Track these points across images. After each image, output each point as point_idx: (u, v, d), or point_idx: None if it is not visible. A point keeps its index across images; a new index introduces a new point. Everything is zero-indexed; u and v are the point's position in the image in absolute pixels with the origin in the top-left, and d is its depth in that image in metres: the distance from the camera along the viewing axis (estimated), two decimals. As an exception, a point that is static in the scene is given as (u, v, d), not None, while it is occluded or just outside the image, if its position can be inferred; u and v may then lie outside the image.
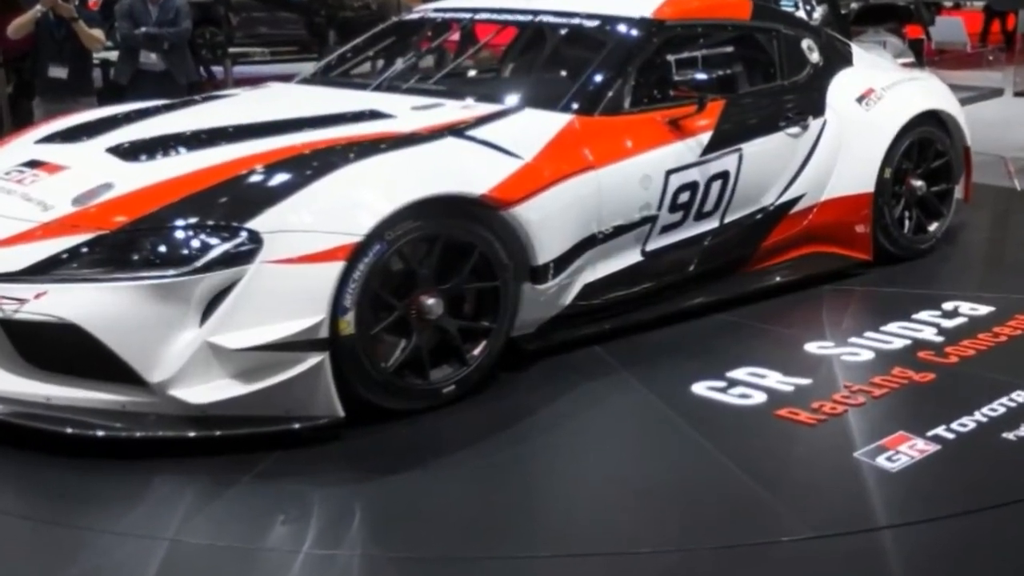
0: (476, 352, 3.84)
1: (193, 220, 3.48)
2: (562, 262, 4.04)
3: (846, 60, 5.58)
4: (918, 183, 5.47)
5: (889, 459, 3.39)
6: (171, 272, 3.37)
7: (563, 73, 4.94)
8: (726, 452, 3.44)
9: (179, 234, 3.46)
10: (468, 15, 5.31)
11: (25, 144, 4.33)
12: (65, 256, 3.45)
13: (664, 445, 3.58)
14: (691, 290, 4.71)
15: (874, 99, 5.37)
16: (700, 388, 3.93)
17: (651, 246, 4.48)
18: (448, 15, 5.50)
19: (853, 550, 2.95)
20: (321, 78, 5.32)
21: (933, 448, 3.46)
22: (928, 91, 5.74)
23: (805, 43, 5.34)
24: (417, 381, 3.70)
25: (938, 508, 3.13)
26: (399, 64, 5.31)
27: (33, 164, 3.99)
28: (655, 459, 3.50)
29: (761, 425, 3.67)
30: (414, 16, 5.70)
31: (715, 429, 3.62)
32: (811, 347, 4.34)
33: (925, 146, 5.50)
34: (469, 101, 4.50)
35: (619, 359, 4.21)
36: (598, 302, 4.32)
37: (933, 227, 5.63)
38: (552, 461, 3.50)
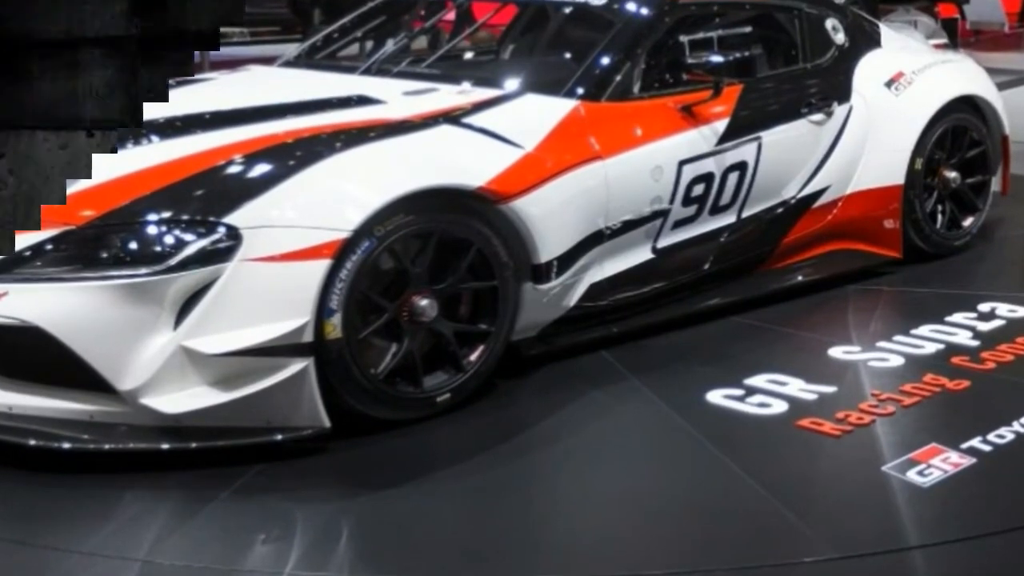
0: (473, 358, 3.84)
1: (167, 214, 3.49)
2: (566, 260, 4.05)
3: (874, 41, 5.58)
4: (952, 175, 5.48)
5: (920, 473, 3.40)
6: (143, 271, 3.38)
7: (567, 55, 4.94)
8: (744, 466, 3.45)
9: (151, 229, 3.46)
10: (464, -8, 5.33)
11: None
12: (28, 253, 3.45)
13: (677, 458, 3.59)
14: (706, 290, 4.72)
15: (904, 83, 5.38)
16: (716, 396, 3.93)
17: (663, 243, 4.48)
18: (443, -8, 5.52)
19: (881, 572, 2.95)
20: (305, 61, 5.32)
21: (968, 461, 3.47)
22: (963, 75, 5.74)
23: (829, 23, 5.35)
24: (409, 389, 3.71)
25: (973, 526, 3.13)
26: (390, 45, 5.31)
27: (-7, 154, 4.00)
28: (667, 473, 3.51)
29: (781, 436, 3.68)
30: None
31: (732, 441, 3.62)
32: (835, 352, 4.35)
33: (959, 134, 5.51)
34: (465, 86, 4.51)
35: (628, 365, 4.21)
36: (605, 303, 4.33)
37: (968, 222, 5.63)
38: (555, 476, 3.51)
